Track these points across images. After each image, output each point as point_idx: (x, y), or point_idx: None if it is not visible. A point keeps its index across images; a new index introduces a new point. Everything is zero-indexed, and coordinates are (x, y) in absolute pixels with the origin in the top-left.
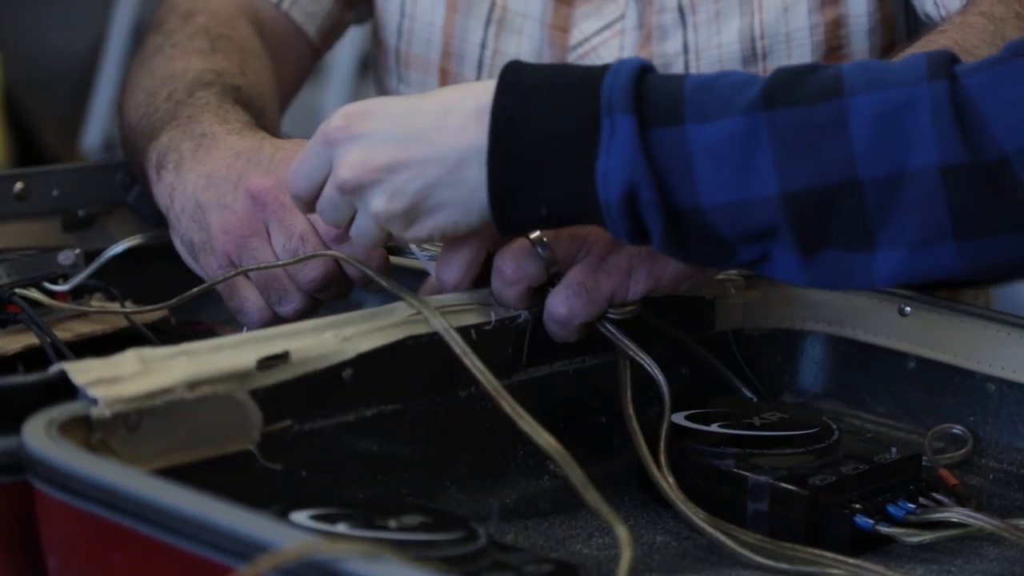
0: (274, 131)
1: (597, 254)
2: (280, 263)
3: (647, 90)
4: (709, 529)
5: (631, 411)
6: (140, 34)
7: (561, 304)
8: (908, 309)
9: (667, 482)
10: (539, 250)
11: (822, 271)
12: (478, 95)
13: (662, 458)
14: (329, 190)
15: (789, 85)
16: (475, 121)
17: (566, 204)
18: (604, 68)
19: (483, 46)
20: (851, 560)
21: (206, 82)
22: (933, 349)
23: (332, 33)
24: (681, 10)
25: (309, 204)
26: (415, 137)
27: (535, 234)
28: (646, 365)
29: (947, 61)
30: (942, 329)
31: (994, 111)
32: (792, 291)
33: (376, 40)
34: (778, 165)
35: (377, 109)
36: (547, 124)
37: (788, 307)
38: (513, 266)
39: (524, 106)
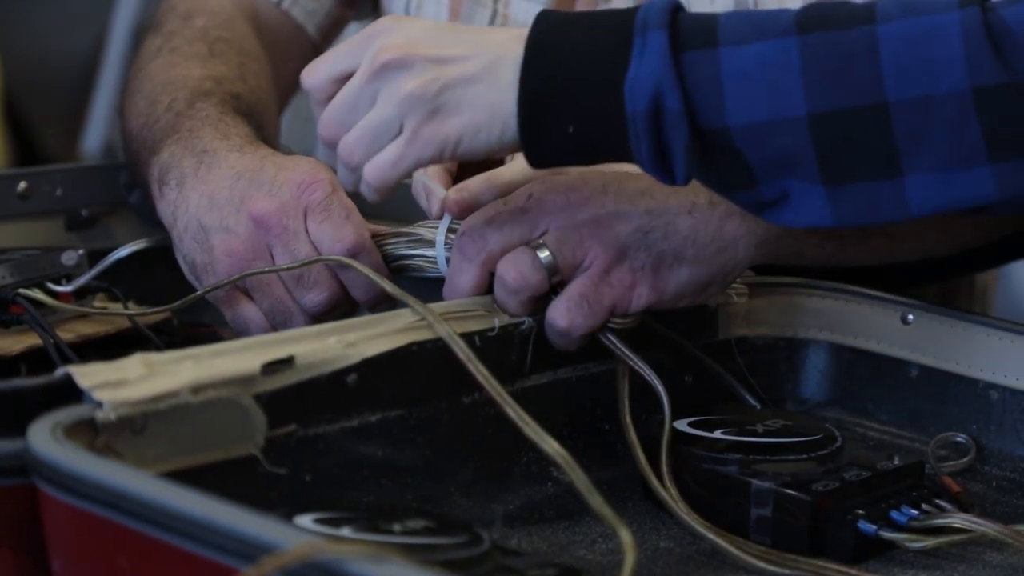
0: (273, 137)
1: (600, 267)
2: (288, 266)
3: (681, 18)
4: (711, 536)
5: (628, 420)
6: (140, 35)
7: (562, 316)
8: (911, 317)
9: (668, 493)
10: (542, 260)
11: (848, 204)
12: (519, 28)
13: (664, 468)
14: (354, 79)
15: (823, 12)
16: (514, 39)
17: (593, 120)
18: (638, 5)
19: None
20: (853, 571)
21: (205, 91)
22: (936, 357)
23: (332, 31)
24: None
25: (323, 97)
26: (457, 39)
27: (543, 253)
28: (646, 375)
29: None
30: (945, 337)
31: None
32: (795, 299)
33: None
34: (807, 87)
35: (421, 19)
36: (581, 43)
37: (791, 315)
38: (515, 275)
39: (561, 28)
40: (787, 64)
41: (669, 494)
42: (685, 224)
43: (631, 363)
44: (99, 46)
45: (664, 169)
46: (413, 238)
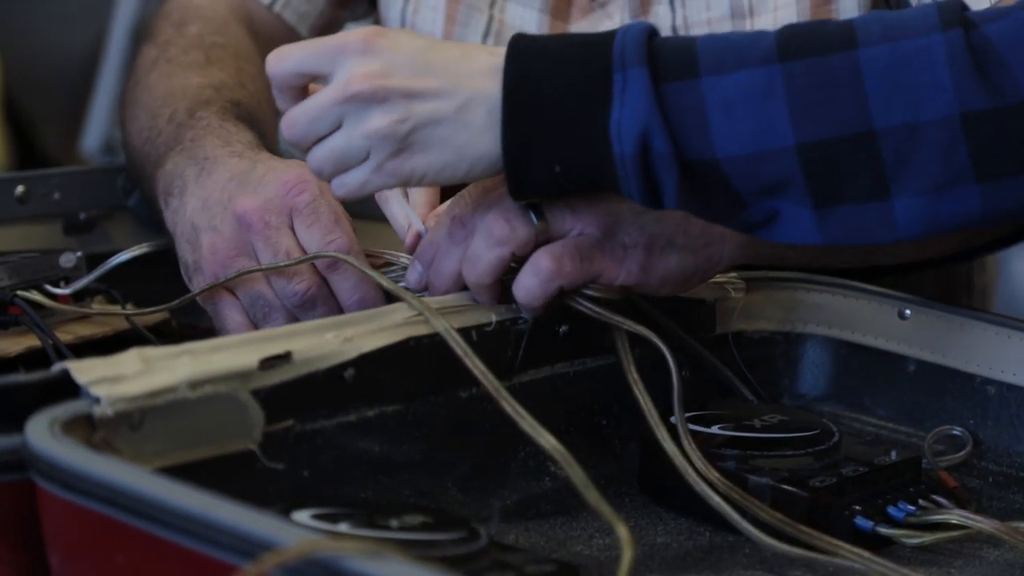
0: (272, 140)
1: (593, 234)
2: (284, 264)
3: (658, 47)
4: (716, 498)
5: (636, 376)
6: (139, 36)
7: (551, 258)
8: (908, 312)
9: (684, 448)
10: (533, 217)
11: (837, 226)
12: (493, 51)
13: (679, 415)
14: (323, 97)
15: (802, 37)
16: (489, 74)
17: (580, 160)
18: (612, 31)
19: None
20: (846, 545)
21: (205, 100)
22: (933, 352)
23: (327, 32)
24: (675, 31)
25: (285, 91)
26: (433, 70)
27: (534, 212)
28: (638, 331)
29: (958, 8)
30: (942, 332)
31: (1017, 57)
32: (792, 294)
33: None
34: (794, 117)
35: (399, 35)
36: (559, 81)
37: (788, 310)
38: (505, 226)
39: (535, 65)
40: (772, 93)
41: (683, 451)
42: (678, 213)
43: (616, 323)
44: (99, 46)
45: (654, 203)
46: (398, 269)
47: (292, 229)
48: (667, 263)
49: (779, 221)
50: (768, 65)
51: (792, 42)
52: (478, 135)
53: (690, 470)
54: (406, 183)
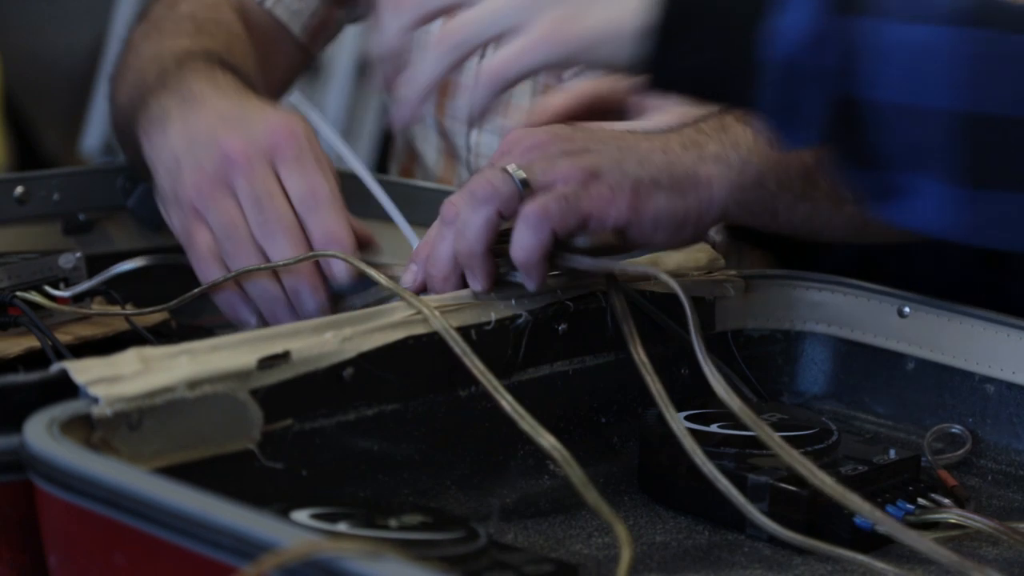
0: None
1: (577, 181)
2: (283, 262)
3: None
4: (723, 481)
5: (643, 357)
6: None
7: (536, 205)
8: (907, 310)
9: (709, 367)
10: (512, 173)
11: (983, 211)
12: None
13: (698, 342)
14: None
15: (989, 8)
16: None
17: (725, 57)
18: None
19: (480, 55)
20: (849, 553)
21: (194, 54)
22: (932, 350)
23: (321, 31)
24: None
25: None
26: None
27: (511, 165)
28: (651, 273)
29: None
30: (941, 330)
31: None
32: (792, 292)
33: None
34: (967, 83)
35: None
36: None
37: (787, 308)
38: (487, 184)
39: None
40: (950, 53)
41: (710, 368)
42: (659, 158)
43: (621, 269)
44: (99, 46)
45: (785, 124)
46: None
47: (276, 172)
48: (656, 203)
49: (909, 195)
50: (952, 26)
51: (979, 10)
52: (634, 11)
53: (698, 450)
54: (567, 57)
